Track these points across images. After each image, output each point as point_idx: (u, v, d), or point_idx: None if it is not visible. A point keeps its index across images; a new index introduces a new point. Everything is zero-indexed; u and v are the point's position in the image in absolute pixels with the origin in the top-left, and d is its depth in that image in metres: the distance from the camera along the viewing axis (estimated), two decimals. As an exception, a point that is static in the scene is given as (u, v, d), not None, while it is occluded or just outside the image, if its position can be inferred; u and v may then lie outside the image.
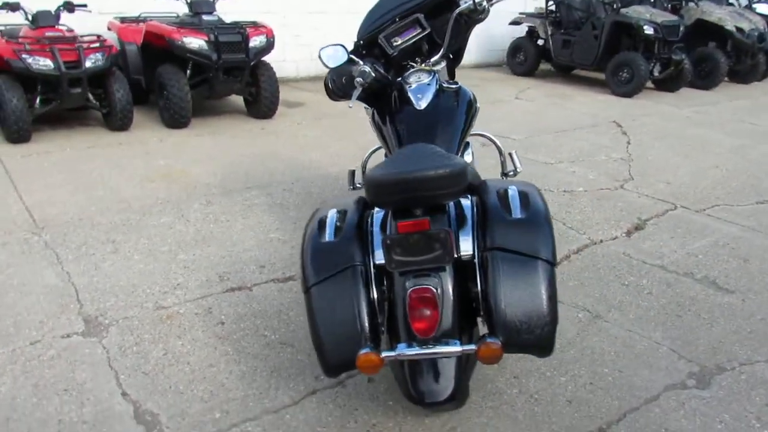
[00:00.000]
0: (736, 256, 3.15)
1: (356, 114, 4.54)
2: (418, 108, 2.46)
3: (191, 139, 5.11)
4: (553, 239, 1.66)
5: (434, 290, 1.54)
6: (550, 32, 8.31)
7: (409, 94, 2.51)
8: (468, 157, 2.61)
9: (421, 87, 2.54)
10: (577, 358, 2.27)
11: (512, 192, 1.79)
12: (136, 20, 5.87)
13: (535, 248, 1.62)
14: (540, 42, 8.66)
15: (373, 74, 2.38)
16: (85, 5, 5.14)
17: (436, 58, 2.67)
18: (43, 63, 4.55)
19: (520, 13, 8.86)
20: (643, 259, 3.08)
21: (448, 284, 1.62)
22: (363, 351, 1.54)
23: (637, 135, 5.64)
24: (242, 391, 2.06)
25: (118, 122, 5.10)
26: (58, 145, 4.75)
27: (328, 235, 1.73)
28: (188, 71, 5.33)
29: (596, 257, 3.09)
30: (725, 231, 3.47)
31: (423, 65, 2.68)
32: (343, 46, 2.47)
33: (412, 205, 1.71)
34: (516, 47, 8.94)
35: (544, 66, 9.17)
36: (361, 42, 2.64)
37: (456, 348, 1.56)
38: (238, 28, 5.31)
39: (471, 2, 2.57)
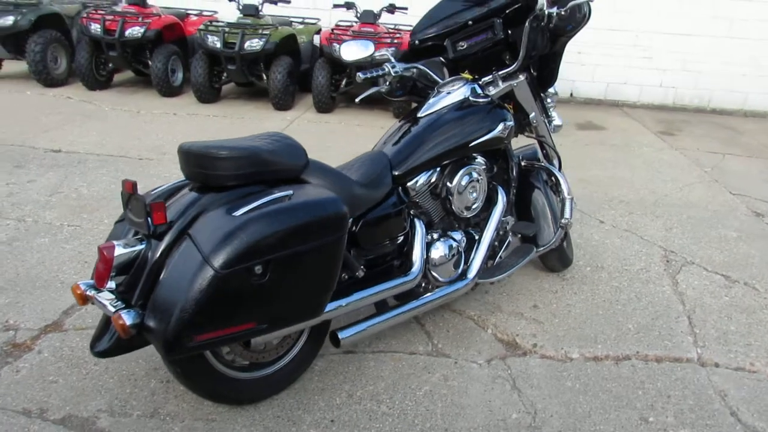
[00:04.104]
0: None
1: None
2: (418, 115, 2.28)
3: (320, 125, 5.56)
4: (242, 252, 1.52)
5: (114, 248, 1.57)
6: None
7: (427, 100, 2.33)
8: (456, 180, 2.25)
9: (442, 96, 2.31)
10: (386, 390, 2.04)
11: (271, 195, 1.67)
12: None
13: (210, 249, 1.51)
14: None
15: (384, 75, 2.24)
16: (405, 8, 6.06)
17: (506, 71, 2.35)
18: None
19: None
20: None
21: (156, 252, 1.59)
22: (79, 282, 1.66)
23: None
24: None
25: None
26: (223, 112, 5.76)
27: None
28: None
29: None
30: None
31: (465, 74, 2.41)
32: (374, 43, 2.37)
33: (197, 180, 1.72)
34: None
35: None
36: (416, 42, 2.43)
37: (109, 308, 1.56)
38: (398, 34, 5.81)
39: (541, 6, 2.22)
